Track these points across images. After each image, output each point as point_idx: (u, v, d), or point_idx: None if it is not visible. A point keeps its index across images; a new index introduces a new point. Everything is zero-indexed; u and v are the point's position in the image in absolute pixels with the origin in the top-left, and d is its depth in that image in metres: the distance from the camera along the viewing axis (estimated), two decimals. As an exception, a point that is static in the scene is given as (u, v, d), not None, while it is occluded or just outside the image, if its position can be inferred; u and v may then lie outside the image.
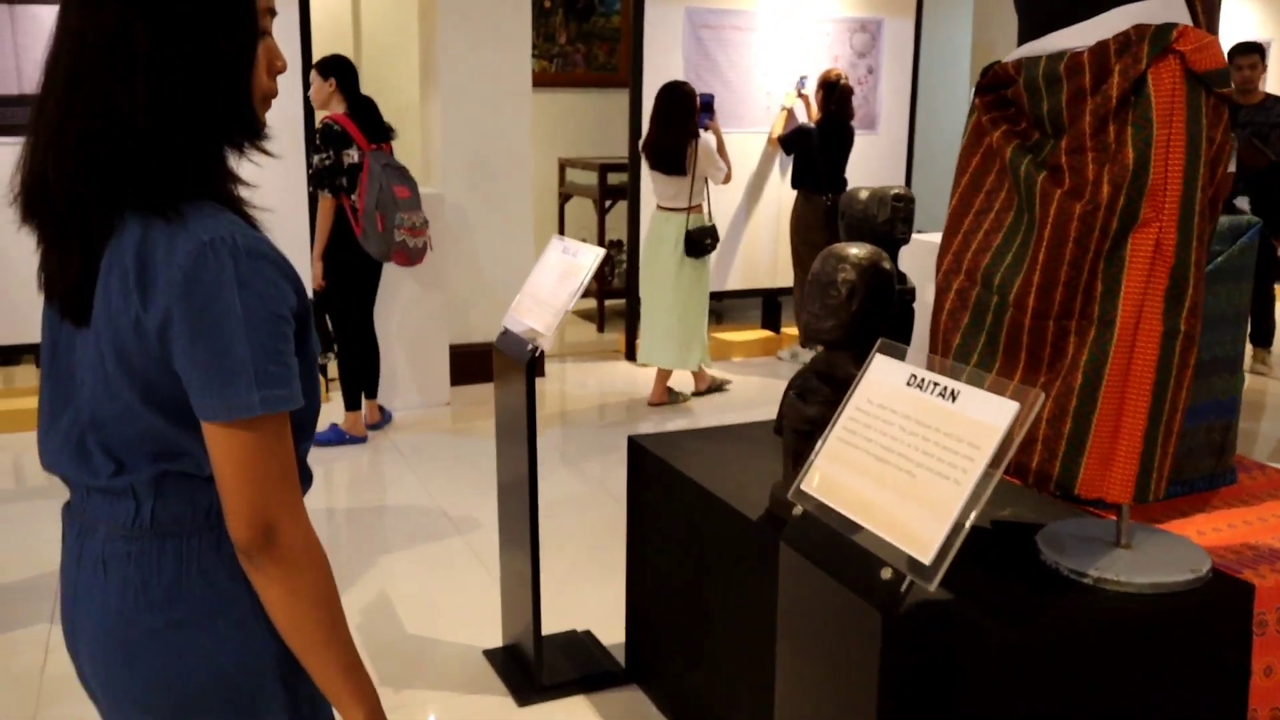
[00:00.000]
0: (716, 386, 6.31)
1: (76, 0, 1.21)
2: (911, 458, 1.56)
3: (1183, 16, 1.95)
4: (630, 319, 6.97)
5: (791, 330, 7.26)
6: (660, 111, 5.75)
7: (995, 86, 2.12)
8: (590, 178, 7.97)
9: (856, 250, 2.32)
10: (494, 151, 6.32)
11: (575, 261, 2.88)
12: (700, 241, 5.83)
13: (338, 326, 5.36)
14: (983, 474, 1.46)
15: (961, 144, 2.18)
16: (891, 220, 2.73)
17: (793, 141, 6.74)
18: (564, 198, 8.38)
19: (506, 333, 3.05)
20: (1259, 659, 2.22)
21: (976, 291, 2.10)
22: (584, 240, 8.50)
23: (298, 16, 5.59)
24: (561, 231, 8.33)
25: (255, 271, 1.20)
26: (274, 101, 1.34)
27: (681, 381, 6.26)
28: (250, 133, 1.29)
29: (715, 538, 2.63)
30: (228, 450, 1.20)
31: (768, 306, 7.56)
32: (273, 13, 1.31)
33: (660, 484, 2.88)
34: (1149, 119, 1.89)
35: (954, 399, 1.56)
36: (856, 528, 1.59)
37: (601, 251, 2.85)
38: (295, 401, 1.23)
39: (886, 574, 1.50)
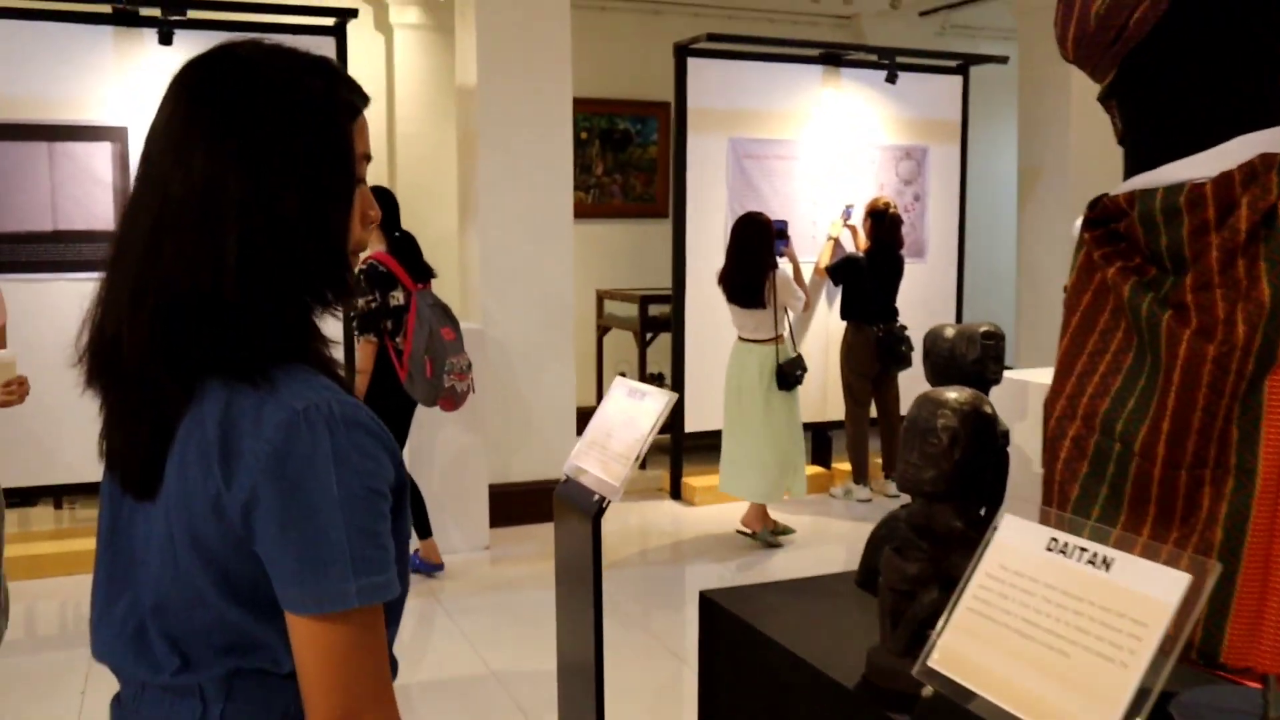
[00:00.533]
0: (782, 530, 6.15)
1: (162, 146, 1.14)
2: (1063, 634, 1.43)
3: None
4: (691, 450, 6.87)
5: (843, 465, 7.11)
6: (737, 244, 5.76)
7: (1104, 220, 2.04)
8: (629, 309, 7.95)
9: (956, 394, 2.22)
10: (535, 284, 6.32)
11: (644, 406, 2.79)
12: (790, 374, 5.79)
13: None
14: (1154, 658, 1.33)
15: (1070, 280, 2.10)
16: (982, 359, 2.65)
17: (841, 271, 6.72)
18: (602, 330, 8.35)
19: (569, 481, 2.94)
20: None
21: (1096, 439, 1.99)
22: (623, 373, 8.46)
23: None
24: (600, 364, 8.27)
25: (353, 444, 1.10)
26: None
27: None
28: (342, 289, 1.21)
29: (804, 706, 2.47)
30: (316, 646, 1.08)
31: (818, 441, 7.42)
32: (368, 158, 1.24)
33: (738, 644, 2.73)
34: None
35: (1107, 567, 1.43)
36: (1002, 714, 1.46)
37: (673, 396, 2.75)
38: (392, 590, 1.12)
39: (1047, 772, 1.36)
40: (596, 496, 2.77)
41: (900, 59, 7.10)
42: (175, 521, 1.12)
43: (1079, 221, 2.17)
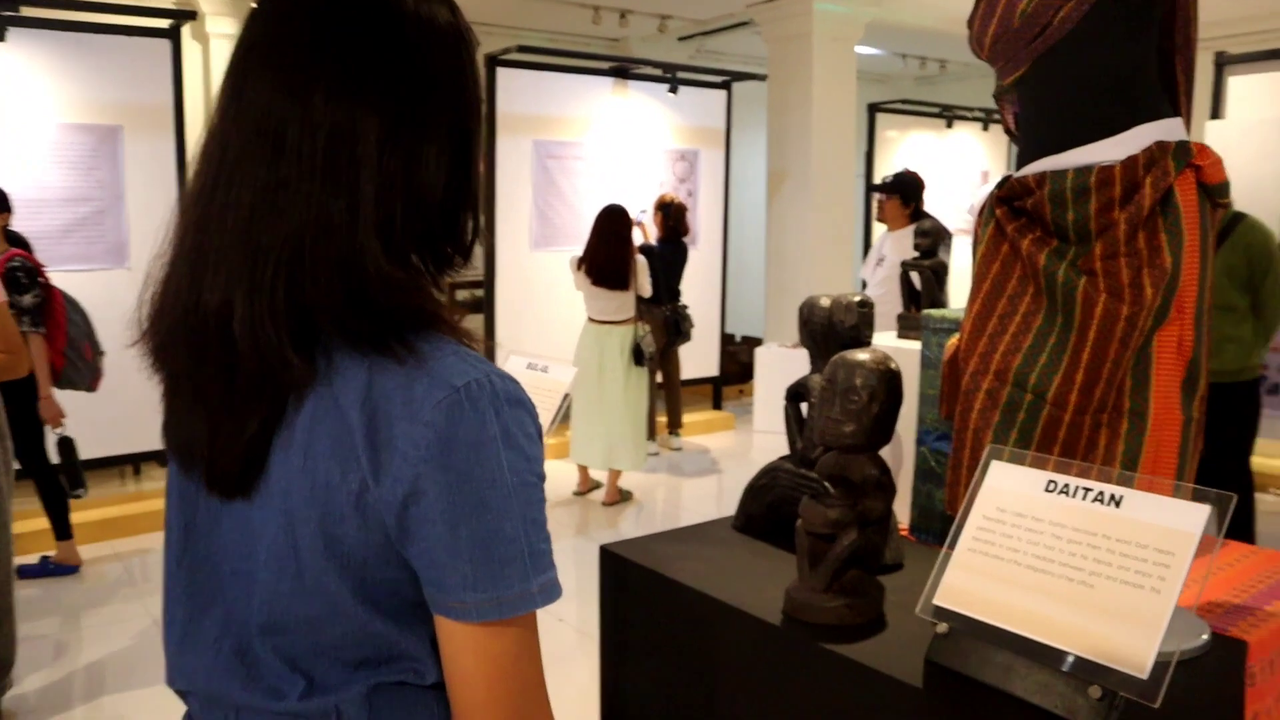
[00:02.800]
0: (626, 496, 6.01)
1: (266, 82, 0.83)
2: (1081, 567, 1.35)
3: (1185, 132, 1.90)
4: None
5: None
6: (601, 232, 5.56)
7: (1010, 199, 1.99)
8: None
9: (867, 355, 2.14)
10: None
11: (550, 379, 2.56)
12: (645, 350, 5.67)
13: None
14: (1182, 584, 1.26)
15: (979, 251, 2.04)
16: (858, 326, 2.57)
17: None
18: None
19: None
20: (1249, 708, 2.12)
21: (1008, 391, 1.95)
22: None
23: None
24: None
25: (518, 424, 0.84)
26: None
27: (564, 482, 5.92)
28: (466, 250, 0.94)
29: (725, 647, 2.33)
30: (485, 654, 0.83)
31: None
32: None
33: (648, 594, 2.57)
34: (1180, 227, 1.81)
35: (1117, 504, 1.36)
36: (1025, 643, 1.36)
37: (575, 368, 2.54)
38: (560, 588, 0.87)
39: (1095, 693, 1.27)
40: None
41: (679, 74, 7.06)
42: (300, 523, 0.84)
43: (977, 201, 2.13)
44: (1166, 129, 1.85)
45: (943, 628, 1.47)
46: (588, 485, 5.98)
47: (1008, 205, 1.99)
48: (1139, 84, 1.86)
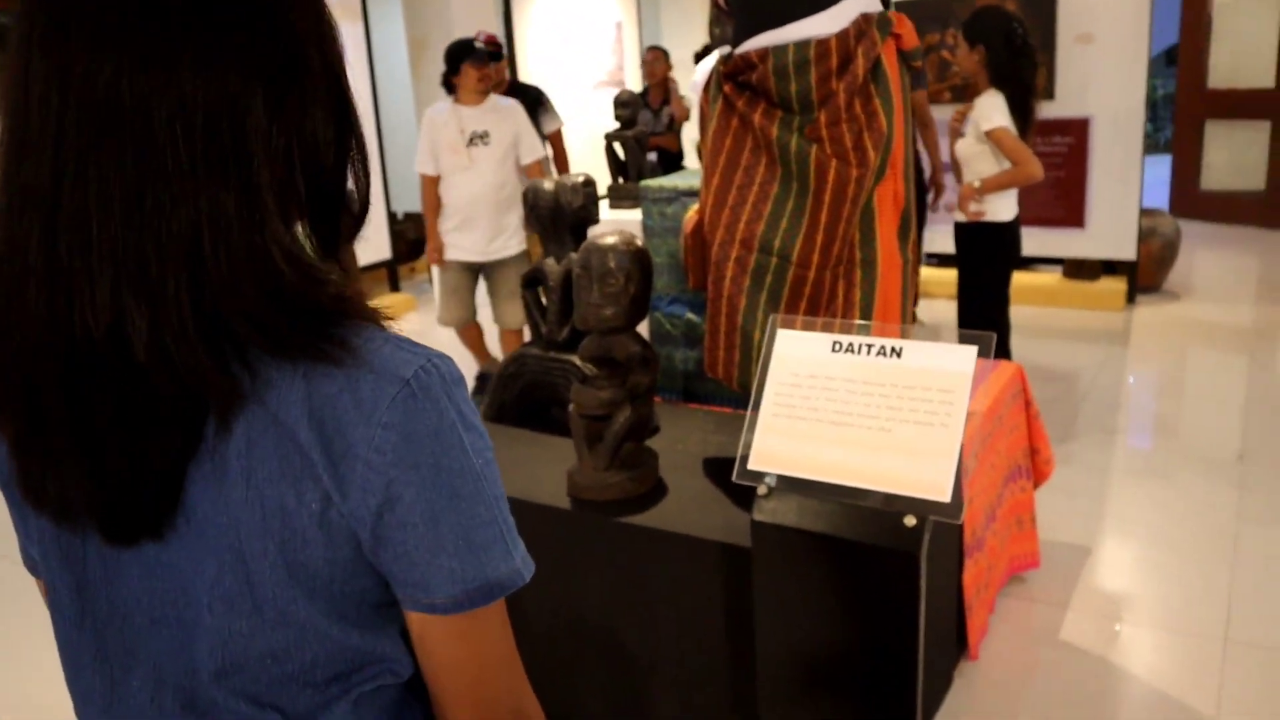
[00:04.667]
0: None
1: (116, 61, 0.70)
2: (877, 415, 1.54)
3: (878, 3, 2.08)
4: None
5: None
6: None
7: (734, 74, 2.10)
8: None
9: (616, 239, 2.21)
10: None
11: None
12: None
13: None
14: (966, 414, 1.47)
15: (710, 127, 2.14)
16: (585, 205, 2.63)
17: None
18: None
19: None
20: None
21: (755, 257, 2.10)
22: None
23: None
24: None
25: (466, 403, 0.79)
26: None
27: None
28: (360, 223, 0.85)
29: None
30: (474, 639, 0.79)
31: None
32: None
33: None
34: (889, 92, 2.00)
35: (898, 355, 1.55)
36: (840, 490, 1.54)
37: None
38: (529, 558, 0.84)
39: (910, 521, 1.47)
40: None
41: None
42: (254, 557, 0.76)
43: (699, 77, 2.21)
44: (867, 1, 2.01)
45: (763, 489, 1.62)
46: None
47: (733, 81, 2.09)
48: (844, -41, 2.00)
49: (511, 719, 0.83)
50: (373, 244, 7.40)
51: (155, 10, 0.71)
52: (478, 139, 4.49)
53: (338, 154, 0.81)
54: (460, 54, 4.47)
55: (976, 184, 3.67)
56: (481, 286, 4.72)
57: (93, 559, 0.81)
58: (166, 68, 0.71)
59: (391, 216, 7.83)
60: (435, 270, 4.67)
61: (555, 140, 5.00)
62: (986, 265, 3.80)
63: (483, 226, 4.52)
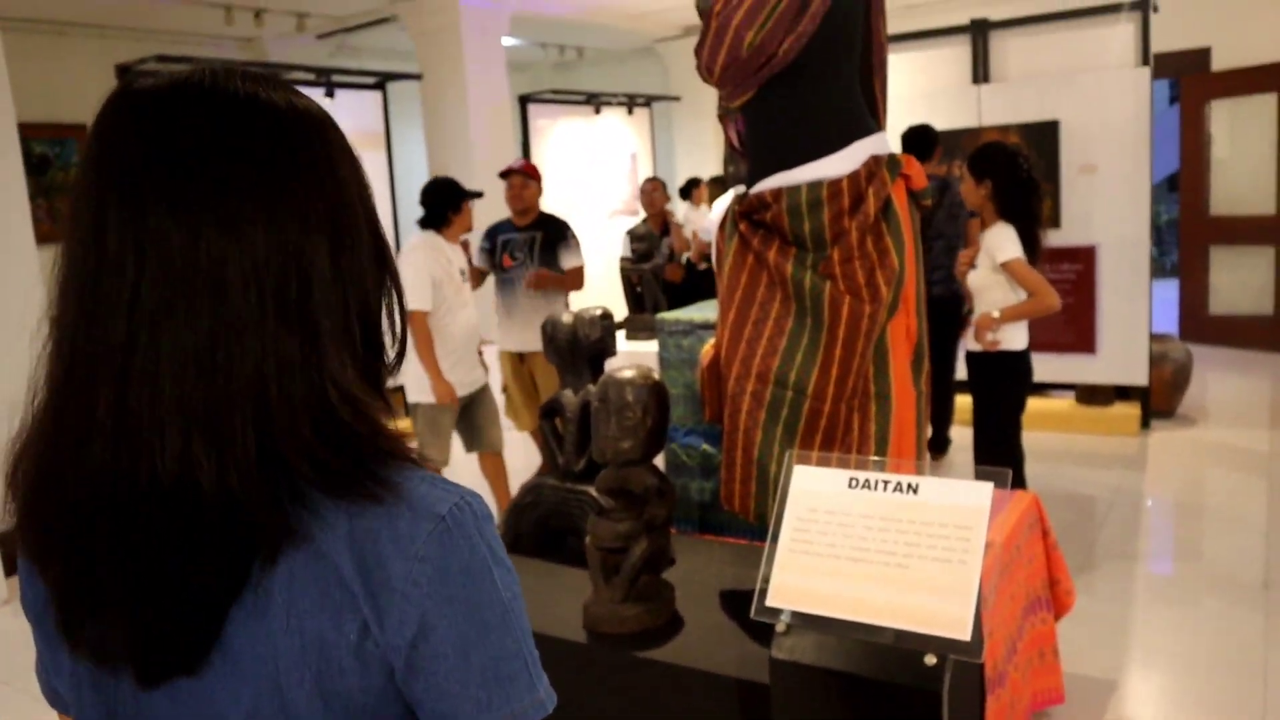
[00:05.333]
0: None
1: (189, 224, 0.75)
2: (895, 551, 1.55)
3: (889, 145, 2.16)
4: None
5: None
6: None
7: (749, 212, 2.17)
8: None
9: (634, 373, 2.25)
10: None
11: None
12: None
13: None
14: (984, 550, 1.48)
15: (726, 264, 2.21)
16: (603, 338, 2.68)
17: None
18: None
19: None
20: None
21: (770, 390, 2.13)
22: None
23: None
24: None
25: (496, 540, 0.82)
26: None
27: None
28: (397, 350, 0.89)
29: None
30: None
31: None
32: None
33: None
34: (900, 230, 2.06)
35: (915, 491, 1.56)
36: (859, 627, 1.54)
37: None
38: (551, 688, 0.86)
39: (931, 660, 1.46)
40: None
41: (333, 77, 6.81)
42: (291, 686, 0.78)
43: (715, 214, 2.29)
44: (877, 143, 2.10)
45: (781, 625, 1.62)
46: None
47: (748, 219, 2.17)
48: (851, 104, 2.10)
49: None
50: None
51: (226, 174, 0.77)
52: (461, 274, 4.60)
53: (377, 293, 0.86)
54: (461, 192, 4.63)
55: (995, 314, 3.72)
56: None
57: (125, 693, 0.82)
58: (240, 229, 0.76)
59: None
60: (424, 410, 4.57)
61: (573, 277, 5.03)
62: (1001, 394, 3.83)
63: (471, 360, 4.58)
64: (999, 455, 3.58)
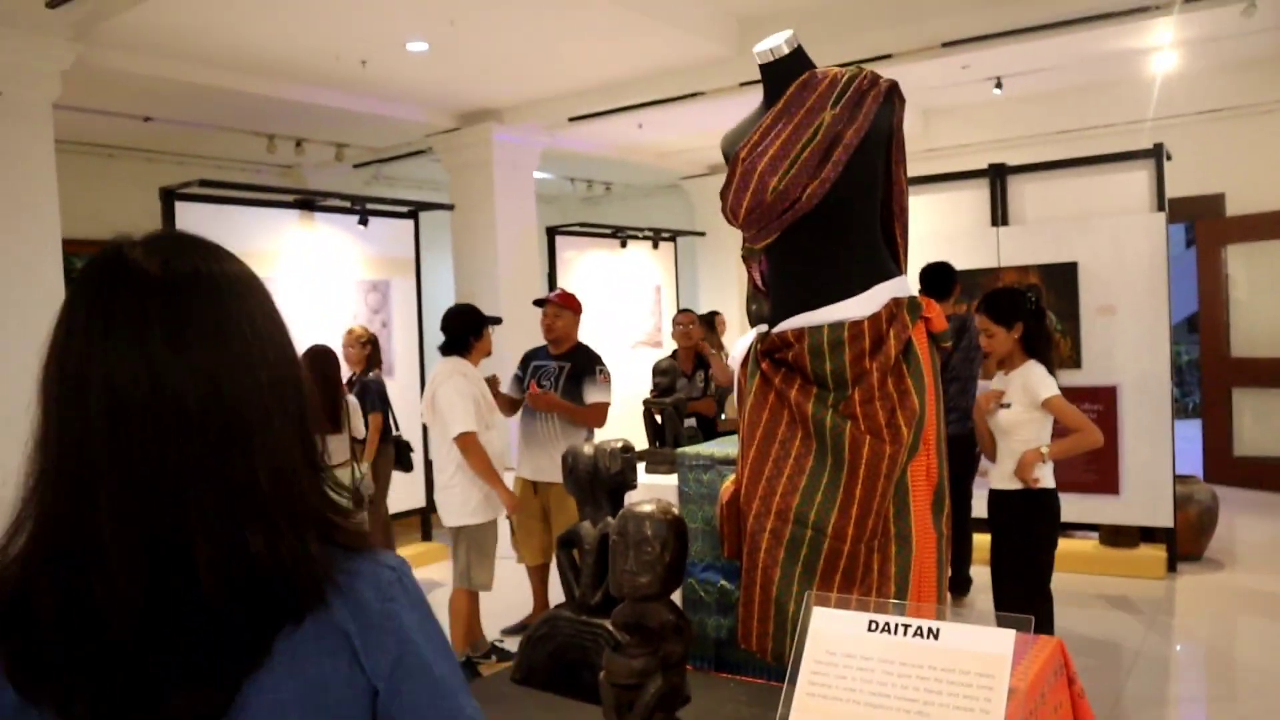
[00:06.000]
0: None
1: (190, 365, 0.91)
2: (914, 698, 1.52)
3: (909, 288, 2.20)
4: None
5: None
6: (311, 374, 5.12)
7: (771, 351, 2.20)
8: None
9: (651, 507, 2.25)
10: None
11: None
12: (362, 495, 5.31)
13: None
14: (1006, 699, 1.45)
15: (748, 401, 2.23)
16: (623, 470, 2.69)
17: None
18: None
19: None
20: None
21: (790, 529, 2.13)
22: None
23: None
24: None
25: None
26: None
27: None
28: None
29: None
30: None
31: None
32: None
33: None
34: (921, 372, 2.08)
35: (935, 636, 1.54)
36: (878, 778, 1.50)
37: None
38: None
39: (952, 818, 1.42)
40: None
41: (367, 205, 7.02)
42: None
43: (737, 353, 2.32)
44: (898, 286, 2.14)
45: (798, 774, 1.57)
46: None
47: (770, 357, 2.20)
48: (872, 248, 2.15)
49: None
50: (408, 492, 7.49)
51: (179, 320, 0.94)
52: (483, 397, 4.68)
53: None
54: (482, 318, 4.75)
55: (1043, 450, 3.71)
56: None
57: None
58: (198, 367, 0.92)
59: (429, 465, 7.95)
60: (469, 533, 4.59)
61: (594, 412, 5.08)
62: (1035, 534, 3.78)
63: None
64: (1028, 597, 3.52)
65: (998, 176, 6.50)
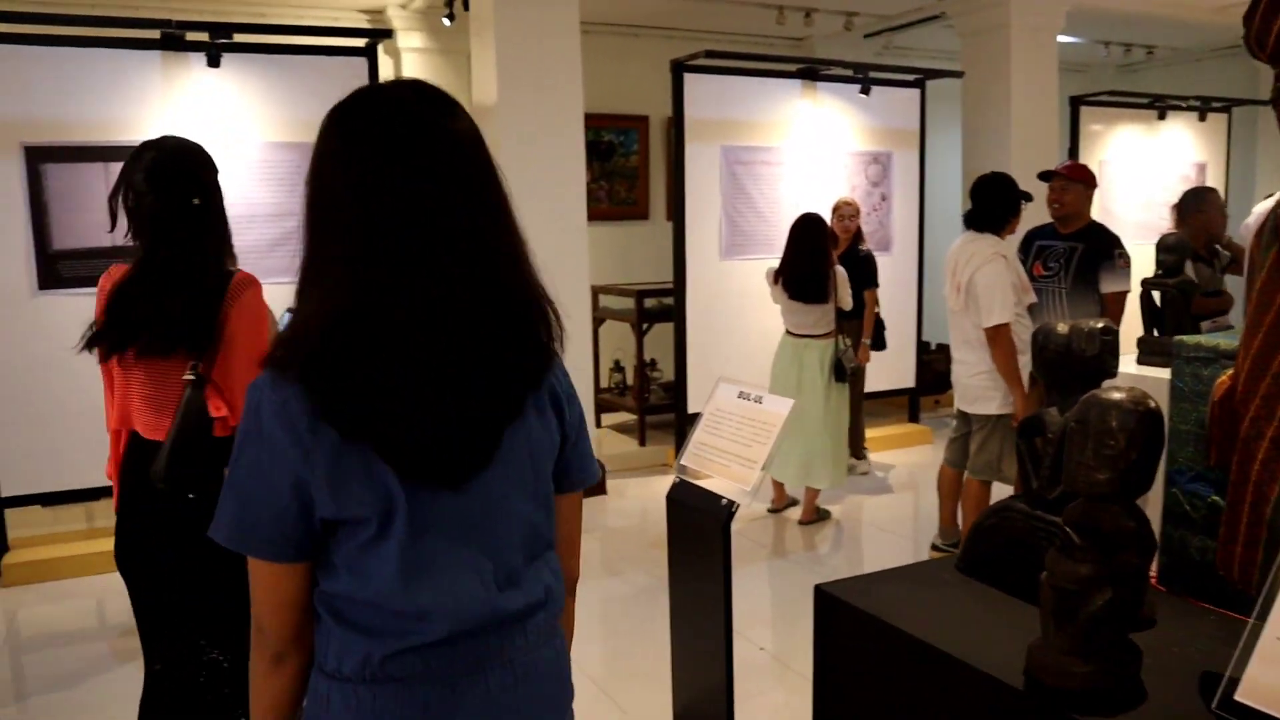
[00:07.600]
0: (824, 515, 5.70)
1: (463, 152, 1.23)
2: None
3: None
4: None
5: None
6: (798, 243, 5.22)
7: (1298, 221, 1.76)
8: (624, 302, 7.59)
9: (1124, 394, 1.93)
10: (552, 284, 5.93)
11: (766, 410, 2.45)
12: (846, 366, 5.34)
13: None
14: None
15: (1258, 279, 1.81)
16: (1101, 355, 2.35)
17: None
18: (597, 321, 7.98)
19: (683, 484, 2.61)
20: None
21: (1297, 439, 1.71)
22: (618, 360, 7.91)
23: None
24: (596, 351, 7.91)
25: None
26: None
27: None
28: None
29: (960, 708, 2.16)
30: (579, 507, 1.45)
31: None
32: None
33: (868, 642, 2.41)
34: None
35: None
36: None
37: (793, 401, 2.43)
38: None
39: None
40: (725, 500, 2.44)
41: (871, 74, 6.82)
42: (530, 468, 1.29)
43: (1253, 220, 1.89)
44: None
45: (1253, 731, 1.28)
46: (783, 501, 5.77)
47: (1296, 229, 1.75)
48: None
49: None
50: (898, 370, 7.38)
51: (466, 141, 1.28)
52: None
53: None
54: (1020, 194, 4.32)
55: None
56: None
57: (421, 502, 1.18)
58: (477, 175, 1.27)
59: (923, 346, 7.74)
60: (1002, 424, 4.33)
61: (1111, 302, 4.53)
62: None
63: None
64: None
65: None
